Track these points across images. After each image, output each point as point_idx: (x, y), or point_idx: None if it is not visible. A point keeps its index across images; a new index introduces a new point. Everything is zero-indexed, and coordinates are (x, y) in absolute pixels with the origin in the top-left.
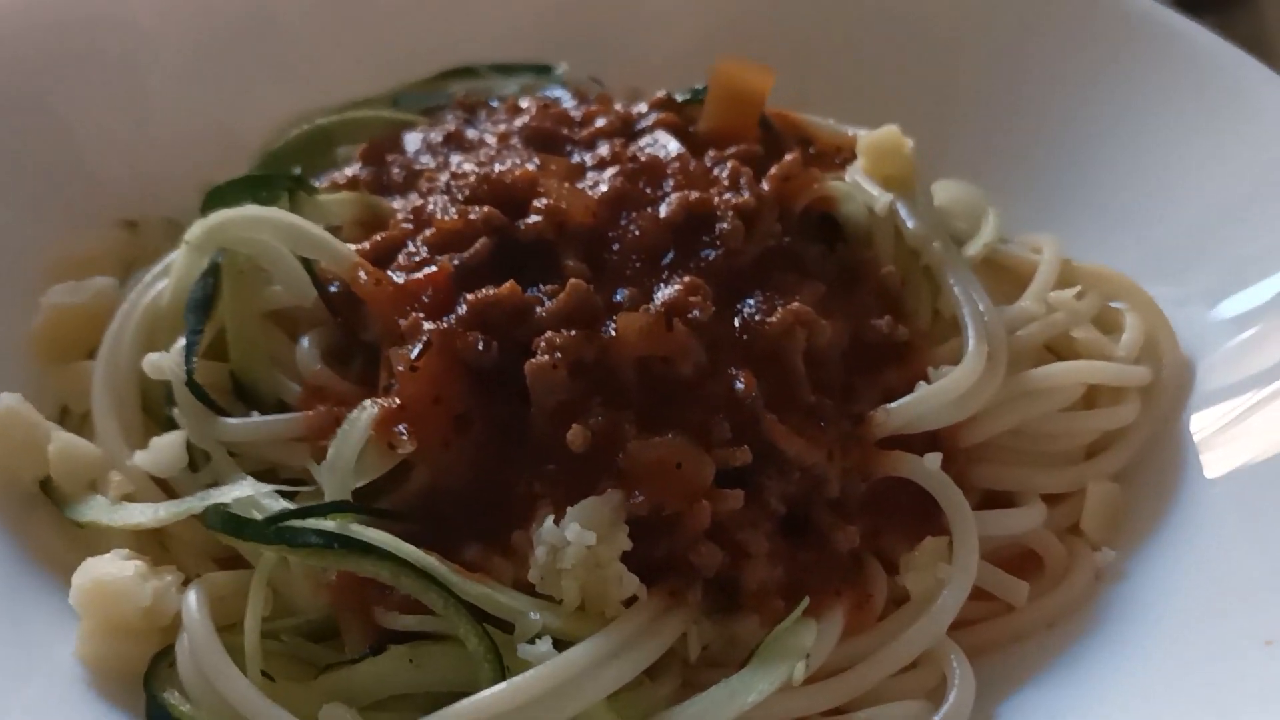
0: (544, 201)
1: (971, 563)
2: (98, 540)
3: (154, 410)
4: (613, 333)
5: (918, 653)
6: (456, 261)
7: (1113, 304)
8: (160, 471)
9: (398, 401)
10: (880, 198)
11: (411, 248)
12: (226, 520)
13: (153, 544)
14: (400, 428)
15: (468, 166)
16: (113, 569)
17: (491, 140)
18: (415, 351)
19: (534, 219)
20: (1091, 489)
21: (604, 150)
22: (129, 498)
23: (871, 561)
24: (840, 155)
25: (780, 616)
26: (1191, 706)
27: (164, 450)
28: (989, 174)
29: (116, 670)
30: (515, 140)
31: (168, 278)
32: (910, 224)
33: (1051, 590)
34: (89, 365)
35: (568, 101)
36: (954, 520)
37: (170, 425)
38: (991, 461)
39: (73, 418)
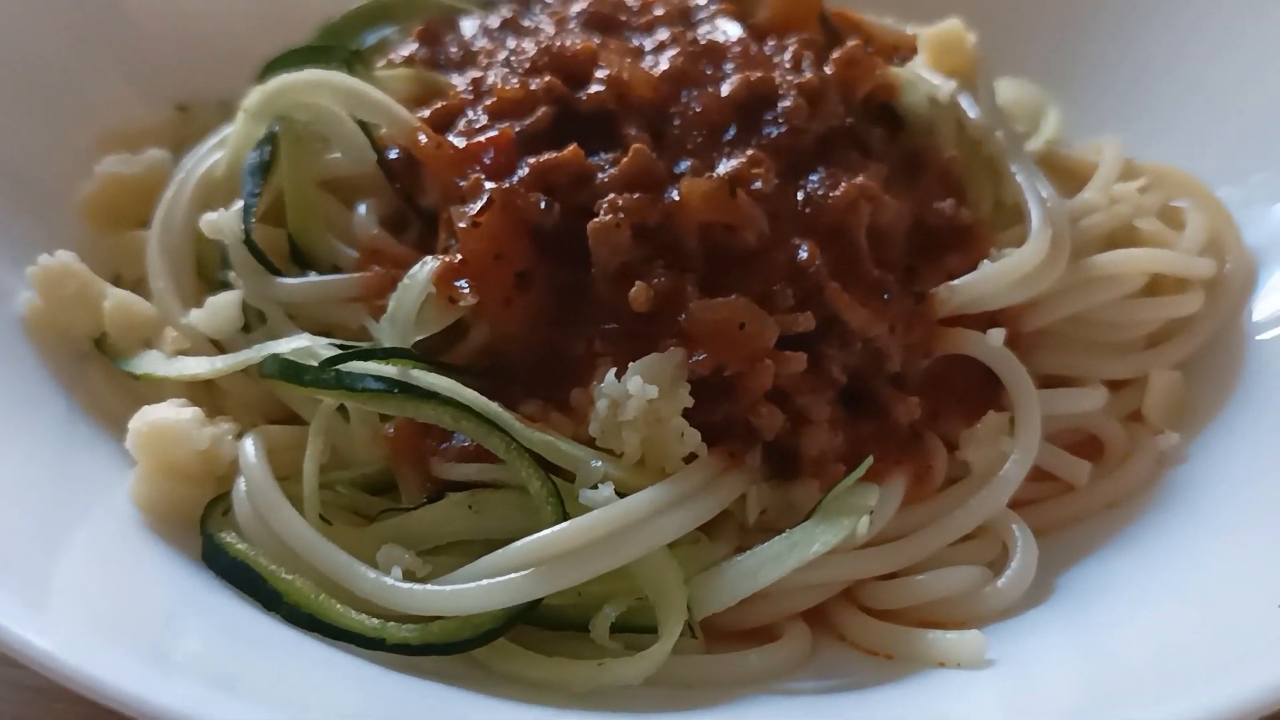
0: (605, 72)
1: (1034, 436)
2: (151, 394)
3: (207, 275)
4: (675, 198)
5: (979, 521)
6: (518, 128)
7: (1176, 203)
8: (215, 330)
9: (459, 257)
10: (944, 86)
11: (471, 115)
12: (285, 367)
13: (205, 399)
14: (461, 282)
15: (528, 43)
16: (170, 414)
17: (549, 26)
18: (477, 208)
19: (595, 89)
20: (1154, 376)
21: (663, 35)
22: (183, 354)
23: (931, 436)
24: (898, 54)
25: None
26: (1246, 580)
27: (219, 309)
28: (1048, 76)
29: (171, 513)
30: (572, 24)
31: (223, 149)
32: (972, 114)
33: (1113, 472)
34: (140, 235)
35: None
36: (1016, 394)
37: (223, 289)
38: (1053, 348)
39: (124, 285)
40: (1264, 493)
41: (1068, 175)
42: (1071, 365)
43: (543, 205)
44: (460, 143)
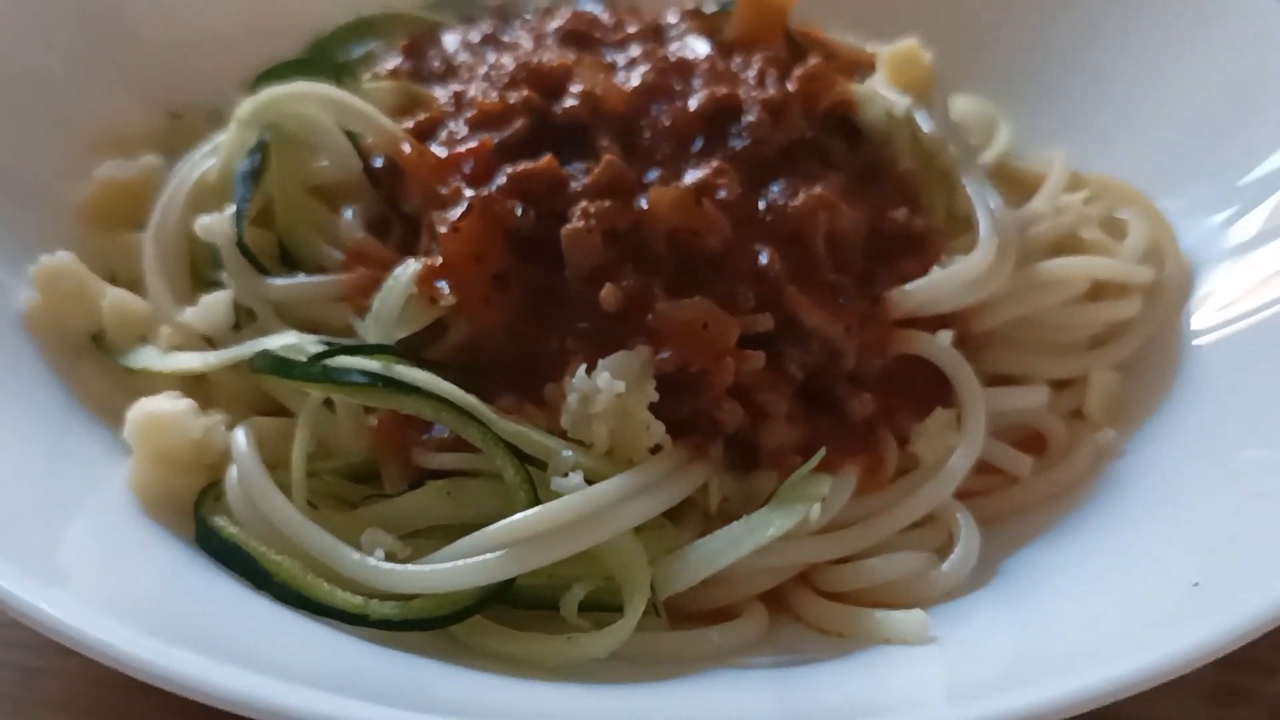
0: (579, 87)
1: (979, 431)
2: (145, 387)
3: (199, 275)
4: (644, 205)
5: (926, 510)
6: (496, 139)
7: (1119, 213)
8: (208, 328)
9: (440, 259)
10: (899, 101)
11: (452, 126)
12: (275, 362)
13: (198, 393)
14: (441, 283)
15: (506, 58)
16: (165, 405)
17: (527, 41)
18: (457, 214)
19: (570, 103)
20: (1095, 376)
21: (635, 51)
22: (178, 349)
23: (884, 430)
24: (859, 70)
25: None
26: (1169, 563)
27: (213, 307)
28: (1001, 92)
29: (165, 499)
30: (550, 40)
31: (215, 156)
32: (927, 128)
33: (1054, 466)
34: (135, 236)
35: (600, 12)
36: (962, 392)
37: (214, 289)
38: (1000, 348)
39: (120, 283)
40: (1192, 485)
41: (1018, 185)
42: (1018, 365)
43: (519, 211)
44: (442, 152)
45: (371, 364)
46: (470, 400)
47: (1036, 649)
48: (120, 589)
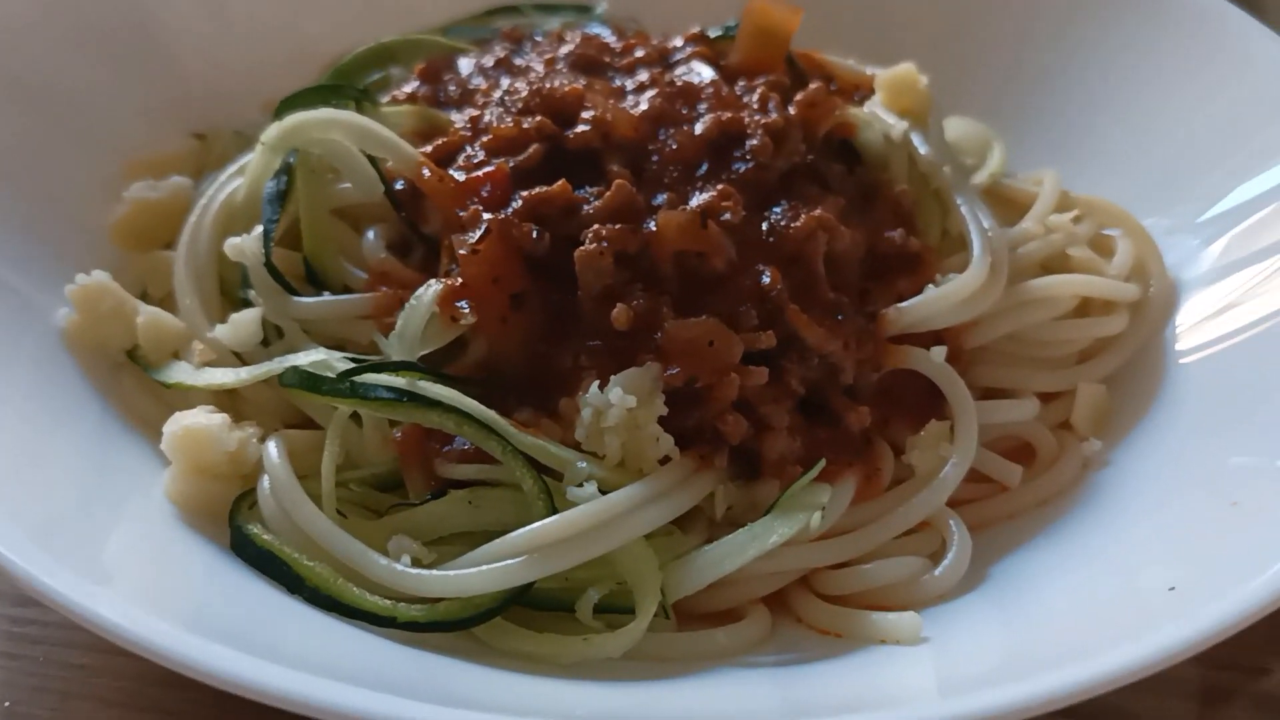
0: (591, 113)
1: (971, 442)
2: (180, 400)
3: (229, 293)
4: (653, 228)
5: (921, 518)
6: (512, 164)
7: (1107, 231)
8: (238, 344)
9: (460, 280)
10: (896, 125)
11: (469, 151)
12: (305, 378)
13: (228, 406)
14: (461, 303)
15: (520, 84)
16: (201, 419)
17: (539, 66)
18: (476, 236)
19: (582, 129)
20: (1082, 389)
21: (643, 76)
22: (210, 365)
23: (880, 441)
24: (859, 92)
25: None
26: (1148, 567)
27: (242, 325)
28: (996, 114)
29: (201, 508)
30: (561, 65)
31: (242, 177)
32: (923, 151)
33: (1043, 475)
34: (165, 255)
35: (608, 36)
36: (955, 405)
37: (243, 306)
38: (992, 363)
39: (151, 300)
40: (1171, 494)
41: (1011, 205)
42: (1008, 378)
43: (535, 234)
44: (460, 176)
45: (397, 380)
46: (490, 414)
47: (1023, 647)
48: (162, 590)
